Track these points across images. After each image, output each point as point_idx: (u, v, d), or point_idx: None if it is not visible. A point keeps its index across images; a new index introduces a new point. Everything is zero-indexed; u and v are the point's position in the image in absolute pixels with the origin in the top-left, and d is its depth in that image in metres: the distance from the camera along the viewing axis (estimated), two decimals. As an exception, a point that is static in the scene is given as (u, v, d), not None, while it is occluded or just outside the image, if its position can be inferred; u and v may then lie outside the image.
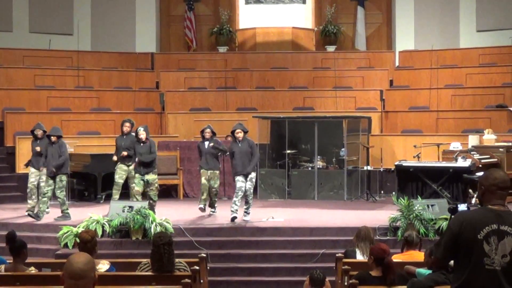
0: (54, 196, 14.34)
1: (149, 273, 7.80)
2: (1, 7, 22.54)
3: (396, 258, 8.65)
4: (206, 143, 14.75)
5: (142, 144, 14.28)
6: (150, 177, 14.24)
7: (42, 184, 14.68)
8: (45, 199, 14.18)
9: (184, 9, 24.42)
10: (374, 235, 9.87)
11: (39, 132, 15.11)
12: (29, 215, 14.14)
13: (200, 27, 24.62)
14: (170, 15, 24.88)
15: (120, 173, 14.75)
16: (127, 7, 23.83)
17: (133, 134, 14.77)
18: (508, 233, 4.94)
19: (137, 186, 14.23)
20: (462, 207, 5.60)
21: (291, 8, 24.84)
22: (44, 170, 14.48)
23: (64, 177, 14.34)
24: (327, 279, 8.31)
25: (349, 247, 9.77)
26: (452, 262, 5.17)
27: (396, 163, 16.57)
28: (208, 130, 14.88)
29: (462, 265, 4.98)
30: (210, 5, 24.87)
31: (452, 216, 5.38)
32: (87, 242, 7.78)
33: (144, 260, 8.08)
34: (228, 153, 14.43)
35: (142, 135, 14.28)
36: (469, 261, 4.92)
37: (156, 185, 14.41)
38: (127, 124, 15.18)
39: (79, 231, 12.04)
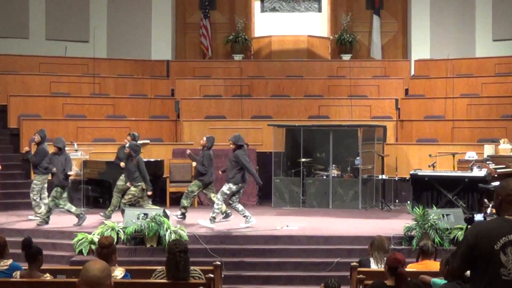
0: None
1: (164, 280, 7.80)
2: (17, 14, 22.66)
3: (411, 267, 8.63)
4: None
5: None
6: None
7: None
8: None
9: (200, 17, 24.47)
10: (389, 244, 9.83)
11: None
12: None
13: (215, 35, 24.67)
14: (186, 23, 24.93)
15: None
16: (143, 14, 23.90)
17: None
18: (525, 244, 4.91)
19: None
20: (478, 217, 5.58)
21: (306, 16, 24.87)
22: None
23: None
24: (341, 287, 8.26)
25: (364, 256, 9.74)
26: (468, 272, 5.14)
27: (411, 172, 16.52)
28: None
29: (479, 275, 4.95)
30: (225, 13, 24.92)
31: (469, 226, 5.36)
32: (104, 247, 7.77)
33: (159, 268, 8.06)
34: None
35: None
36: (486, 272, 4.89)
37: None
38: (128, 137, 15.50)
39: (94, 238, 12.12)
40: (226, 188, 14.13)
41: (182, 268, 7.67)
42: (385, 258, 8.77)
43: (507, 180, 5.18)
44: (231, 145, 14.34)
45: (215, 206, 14.17)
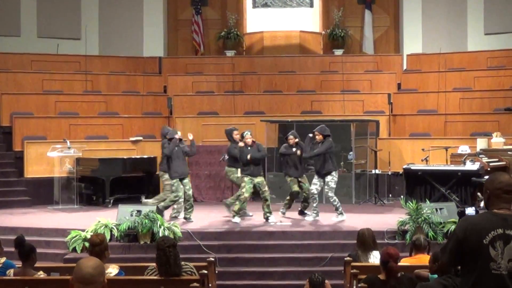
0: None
1: (157, 277, 7.80)
2: (9, 12, 22.62)
3: (405, 261, 8.65)
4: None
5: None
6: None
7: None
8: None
9: (191, 13, 24.46)
10: (378, 237, 9.83)
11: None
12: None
13: (207, 31, 24.66)
14: (178, 19, 24.91)
15: None
16: (135, 11, 23.87)
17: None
18: (514, 238, 4.92)
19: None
20: (469, 210, 5.59)
21: (298, 11, 24.87)
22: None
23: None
24: (334, 282, 8.29)
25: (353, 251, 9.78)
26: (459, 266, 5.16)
27: (404, 167, 16.54)
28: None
29: (469, 270, 4.96)
30: (217, 9, 24.91)
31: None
32: (96, 245, 7.74)
33: (151, 265, 8.07)
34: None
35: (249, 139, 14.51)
36: (476, 266, 4.90)
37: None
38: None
39: (88, 235, 12.11)
40: (332, 181, 14.42)
41: (173, 262, 7.69)
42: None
43: (495, 175, 5.19)
44: (318, 136, 14.35)
45: (333, 200, 14.35)
